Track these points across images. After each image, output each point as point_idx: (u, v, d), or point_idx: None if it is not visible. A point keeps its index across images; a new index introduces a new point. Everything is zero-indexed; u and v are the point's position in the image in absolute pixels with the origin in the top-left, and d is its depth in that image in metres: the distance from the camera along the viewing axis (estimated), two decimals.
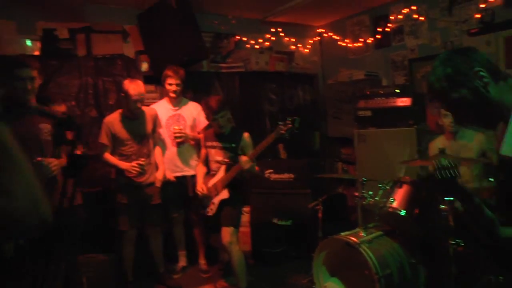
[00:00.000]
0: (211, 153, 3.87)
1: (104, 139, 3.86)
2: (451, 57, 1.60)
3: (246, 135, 3.81)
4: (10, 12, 4.33)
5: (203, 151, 4.01)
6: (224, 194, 3.71)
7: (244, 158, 3.57)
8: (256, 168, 3.70)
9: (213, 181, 3.82)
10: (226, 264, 4.44)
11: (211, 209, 3.78)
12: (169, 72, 4.13)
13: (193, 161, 4.30)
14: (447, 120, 3.70)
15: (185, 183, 4.26)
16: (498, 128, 1.71)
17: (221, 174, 3.77)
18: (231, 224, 3.69)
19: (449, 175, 1.70)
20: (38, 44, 4.39)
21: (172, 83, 4.14)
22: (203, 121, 4.33)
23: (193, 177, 4.15)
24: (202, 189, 3.84)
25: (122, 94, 3.80)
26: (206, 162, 3.97)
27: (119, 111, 3.93)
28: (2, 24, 4.29)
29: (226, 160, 3.79)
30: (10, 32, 4.33)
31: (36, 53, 4.36)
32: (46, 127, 2.99)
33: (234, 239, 3.67)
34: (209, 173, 3.91)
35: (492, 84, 1.53)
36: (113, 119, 3.87)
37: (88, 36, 4.54)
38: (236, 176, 3.67)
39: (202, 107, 4.29)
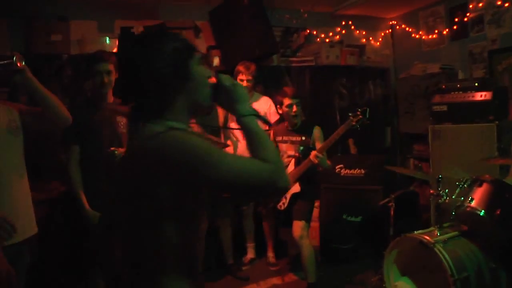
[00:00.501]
0: (282, 148, 3.89)
1: None
2: None
3: (317, 128, 3.79)
4: (92, 12, 4.60)
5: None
6: (296, 188, 3.72)
7: (313, 152, 3.55)
8: (328, 161, 3.67)
9: None
10: (295, 259, 4.47)
11: (283, 203, 3.80)
12: (240, 68, 4.18)
13: None
14: None
15: None
16: None
17: (291, 167, 3.78)
18: (302, 218, 3.69)
19: None
20: (116, 42, 4.61)
21: (243, 79, 4.20)
22: (274, 114, 4.35)
23: None
24: None
25: None
26: None
27: None
28: (85, 24, 4.57)
29: (296, 154, 3.79)
30: (92, 32, 4.60)
31: (114, 50, 4.58)
32: (122, 120, 3.12)
33: (305, 233, 3.67)
34: None
35: None
36: None
37: None
38: (307, 169, 3.66)
39: (274, 100, 4.31)
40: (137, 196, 1.19)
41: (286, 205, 3.77)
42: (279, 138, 3.91)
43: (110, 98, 3.11)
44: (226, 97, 1.38)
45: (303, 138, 3.77)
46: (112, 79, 3.06)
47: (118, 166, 1.31)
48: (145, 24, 4.64)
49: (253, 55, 4.55)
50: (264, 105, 4.40)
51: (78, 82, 4.11)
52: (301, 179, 3.72)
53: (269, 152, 1.26)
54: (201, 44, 4.96)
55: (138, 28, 4.59)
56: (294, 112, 3.77)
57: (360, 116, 3.47)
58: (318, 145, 3.70)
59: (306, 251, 3.67)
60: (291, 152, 3.82)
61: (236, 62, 4.28)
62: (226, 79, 1.40)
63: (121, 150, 3.07)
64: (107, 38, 4.64)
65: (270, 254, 4.53)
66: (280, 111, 3.96)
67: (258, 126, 1.36)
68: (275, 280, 4.15)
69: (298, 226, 3.67)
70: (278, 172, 1.22)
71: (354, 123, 3.49)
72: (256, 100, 4.40)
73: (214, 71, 4.42)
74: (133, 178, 1.20)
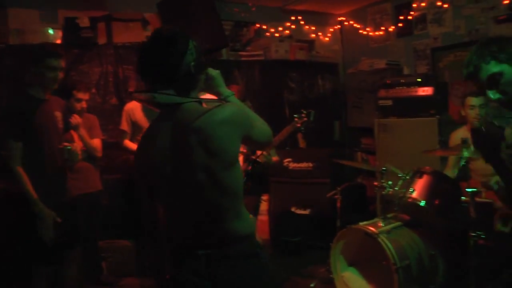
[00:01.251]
0: None
1: (124, 125, 3.90)
2: (495, 40, 1.78)
3: None
4: (33, 1, 4.39)
5: None
6: None
7: (258, 152, 3.57)
8: (274, 158, 3.68)
9: None
10: None
11: None
12: None
13: None
14: (473, 113, 3.60)
15: None
16: None
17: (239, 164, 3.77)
18: (248, 211, 3.69)
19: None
20: (60, 33, 4.44)
21: None
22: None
23: None
24: None
25: (142, 83, 3.81)
26: None
27: None
28: (26, 13, 4.37)
29: (245, 150, 3.79)
30: (33, 21, 4.40)
31: (58, 41, 4.41)
32: (59, 115, 3.02)
33: None
34: None
35: None
36: (134, 106, 3.91)
37: (109, 25, 4.56)
38: (252, 166, 3.67)
39: None
40: (211, 152, 1.54)
41: None
42: None
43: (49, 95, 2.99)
44: (211, 83, 1.83)
45: None
46: (61, 75, 2.93)
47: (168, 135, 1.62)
48: (90, 14, 4.49)
49: (202, 48, 4.49)
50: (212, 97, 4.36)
51: (19, 74, 3.92)
52: (246, 175, 3.73)
53: (259, 118, 1.78)
54: None
55: (83, 19, 4.44)
56: None
57: (305, 119, 3.50)
58: None
59: None
60: (240, 148, 3.81)
61: None
62: (211, 70, 1.81)
63: (76, 145, 2.98)
64: (51, 29, 4.45)
65: None
66: None
67: (238, 101, 1.84)
68: None
69: None
70: (270, 129, 1.81)
71: (299, 125, 3.52)
72: (203, 95, 4.34)
73: None
74: (207, 140, 1.54)
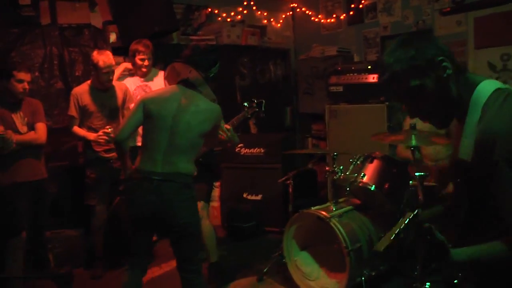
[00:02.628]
0: None
1: (72, 111, 3.74)
2: (414, 40, 1.43)
3: (217, 107, 3.75)
4: None
5: None
6: None
7: (226, 126, 3.53)
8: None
9: None
10: None
11: None
12: (140, 48, 3.94)
13: None
14: None
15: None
16: (451, 129, 1.58)
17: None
18: (200, 198, 3.66)
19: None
20: None
21: (144, 58, 4.00)
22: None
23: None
24: None
25: (91, 66, 3.67)
26: None
27: (88, 82, 3.81)
28: None
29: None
30: None
31: None
32: None
33: (204, 213, 3.64)
34: None
35: (453, 77, 1.38)
36: (82, 90, 3.75)
37: (53, 4, 4.34)
38: (205, 152, 3.63)
39: None
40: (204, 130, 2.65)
41: None
42: None
43: None
44: None
45: None
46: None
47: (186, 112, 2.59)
48: None
49: (152, 31, 4.38)
50: (163, 80, 4.25)
51: None
52: (197, 161, 3.69)
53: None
54: (97, 19, 4.63)
55: None
56: None
57: (256, 109, 3.48)
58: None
59: (206, 231, 3.65)
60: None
61: (135, 39, 4.07)
62: None
63: (9, 132, 2.84)
64: None
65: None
66: None
67: None
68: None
69: None
70: None
71: (249, 115, 3.51)
72: (155, 75, 4.22)
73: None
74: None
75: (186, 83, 2.71)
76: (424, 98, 1.40)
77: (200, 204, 3.62)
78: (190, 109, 2.61)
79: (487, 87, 1.37)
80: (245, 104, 3.52)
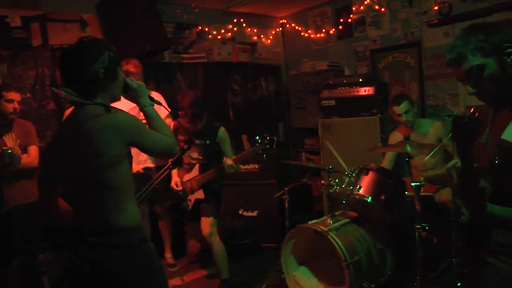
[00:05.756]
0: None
1: None
2: (484, 27, 1.58)
3: (222, 129, 3.75)
4: None
5: None
6: (200, 195, 3.67)
7: (229, 162, 3.52)
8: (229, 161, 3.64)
9: (188, 177, 3.75)
10: (198, 255, 4.50)
11: (188, 205, 3.73)
12: (131, 69, 3.87)
13: None
14: (401, 119, 3.83)
15: (151, 175, 4.15)
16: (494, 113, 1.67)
17: (195, 172, 3.71)
18: (210, 214, 3.64)
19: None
20: None
21: (137, 79, 3.98)
22: (164, 111, 4.21)
23: (158, 168, 4.04)
24: (177, 185, 3.75)
25: None
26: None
27: None
28: None
29: (200, 157, 3.72)
30: None
31: None
32: None
33: (214, 229, 3.62)
34: (182, 167, 3.82)
35: None
36: None
37: (44, 25, 4.34)
38: (212, 177, 3.64)
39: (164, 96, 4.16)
40: (100, 154, 1.76)
41: (191, 207, 3.71)
42: (181, 138, 3.72)
43: None
44: (132, 94, 2.05)
45: (208, 141, 3.70)
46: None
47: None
48: (22, 14, 4.25)
49: (143, 50, 4.38)
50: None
51: None
52: (206, 186, 3.67)
53: (167, 131, 2.03)
54: None
55: (14, 17, 4.18)
56: (197, 128, 3.68)
57: (267, 146, 3.45)
58: (225, 146, 3.75)
59: (217, 248, 3.62)
60: (195, 155, 3.74)
61: (125, 58, 4.06)
62: (132, 82, 2.03)
63: (17, 148, 2.83)
64: None
65: (168, 255, 4.41)
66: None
67: (156, 112, 2.06)
68: (174, 281, 4.05)
69: (207, 223, 3.60)
70: (174, 142, 2.03)
71: (259, 151, 3.49)
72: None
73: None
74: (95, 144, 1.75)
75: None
76: (485, 78, 1.53)
77: (210, 220, 3.61)
78: None
79: None
80: (257, 138, 3.49)
